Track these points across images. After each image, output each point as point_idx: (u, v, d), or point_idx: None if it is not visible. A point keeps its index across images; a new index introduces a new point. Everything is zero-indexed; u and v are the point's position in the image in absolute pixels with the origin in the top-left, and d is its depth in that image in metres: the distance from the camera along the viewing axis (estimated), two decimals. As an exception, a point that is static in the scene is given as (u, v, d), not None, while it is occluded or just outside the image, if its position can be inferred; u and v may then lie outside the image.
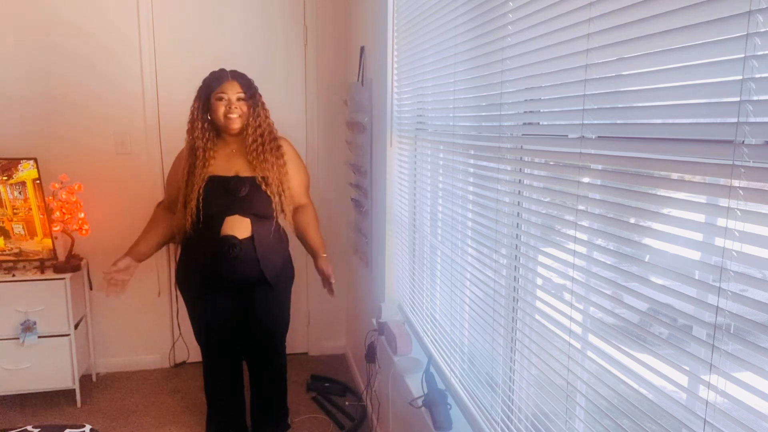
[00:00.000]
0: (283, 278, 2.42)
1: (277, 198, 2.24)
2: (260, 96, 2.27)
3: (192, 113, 2.24)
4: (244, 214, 2.21)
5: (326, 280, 2.36)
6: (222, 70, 2.23)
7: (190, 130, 2.24)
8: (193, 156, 2.22)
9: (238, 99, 2.19)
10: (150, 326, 3.34)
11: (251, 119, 2.23)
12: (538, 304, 1.23)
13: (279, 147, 2.29)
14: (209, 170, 2.20)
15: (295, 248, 2.50)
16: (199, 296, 2.36)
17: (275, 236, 2.30)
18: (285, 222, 2.33)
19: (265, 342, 2.47)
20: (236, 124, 2.20)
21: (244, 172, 2.23)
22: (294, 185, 2.35)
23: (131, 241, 3.21)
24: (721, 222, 0.72)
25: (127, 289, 2.27)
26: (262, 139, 2.24)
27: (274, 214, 2.27)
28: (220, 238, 2.19)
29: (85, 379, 3.14)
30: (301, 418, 2.82)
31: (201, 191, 2.17)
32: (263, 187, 2.21)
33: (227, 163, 2.24)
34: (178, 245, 2.41)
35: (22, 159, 2.74)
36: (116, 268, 2.20)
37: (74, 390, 2.91)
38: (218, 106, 2.18)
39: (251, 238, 2.22)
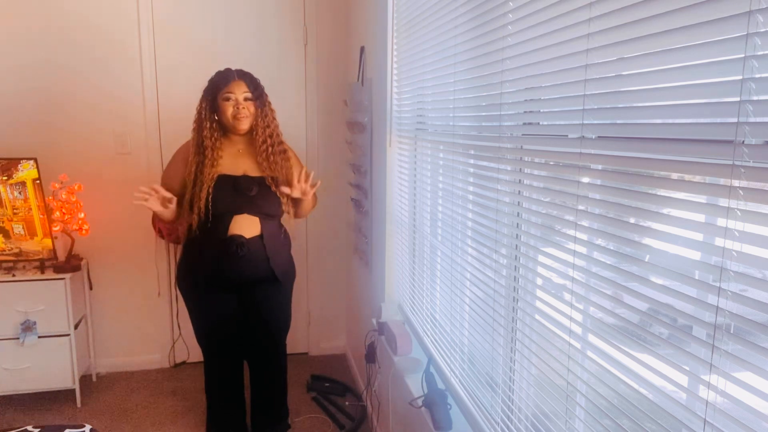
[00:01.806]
0: (289, 276, 2.44)
1: (285, 198, 2.25)
2: (267, 96, 2.27)
3: (199, 113, 2.22)
4: (252, 213, 2.21)
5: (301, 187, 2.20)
6: (228, 70, 2.22)
7: (197, 129, 2.23)
8: (201, 155, 2.21)
9: (246, 99, 2.19)
10: (150, 326, 3.34)
11: (260, 120, 2.23)
12: (538, 304, 1.23)
13: (285, 151, 2.31)
14: (218, 169, 2.20)
15: (294, 248, 2.50)
16: (203, 296, 2.35)
17: (282, 235, 2.31)
18: (288, 221, 2.34)
19: (266, 341, 2.47)
20: (245, 125, 2.20)
21: (252, 171, 2.24)
22: None
23: (131, 241, 3.23)
24: (721, 222, 0.72)
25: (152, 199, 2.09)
26: (271, 140, 2.24)
27: (282, 213, 2.28)
28: (227, 237, 2.19)
29: (85, 379, 3.14)
30: (301, 418, 2.82)
31: (210, 190, 2.16)
32: (273, 188, 2.22)
33: (234, 163, 2.24)
34: (180, 244, 2.39)
35: (22, 159, 2.74)
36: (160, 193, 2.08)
37: (74, 390, 2.91)
38: (226, 107, 2.17)
39: (260, 236, 2.23)
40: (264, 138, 2.23)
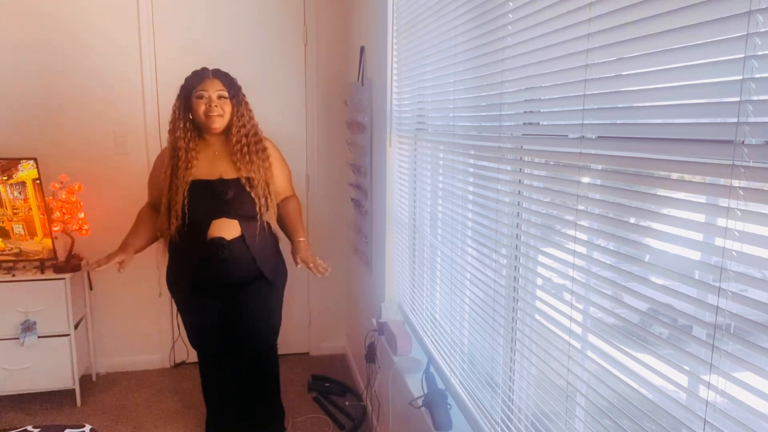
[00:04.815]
0: (280, 274, 2.40)
1: (262, 200, 2.20)
2: (244, 96, 2.23)
3: (174, 113, 2.20)
4: (231, 216, 2.18)
5: (307, 265, 2.23)
6: (203, 69, 2.20)
7: (172, 130, 2.21)
8: (175, 157, 2.18)
9: (219, 97, 2.15)
10: (150, 326, 3.34)
11: (235, 119, 2.19)
12: (538, 304, 1.23)
13: (264, 149, 2.26)
14: (192, 173, 2.16)
15: (287, 249, 2.48)
16: (191, 300, 2.33)
17: (265, 234, 2.27)
18: (271, 220, 2.30)
19: (256, 342, 2.43)
20: (217, 123, 2.16)
21: (229, 174, 2.19)
22: (279, 183, 2.33)
23: (131, 241, 3.21)
24: (721, 222, 0.72)
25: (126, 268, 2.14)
26: (246, 139, 2.20)
27: (260, 215, 2.24)
28: (208, 240, 2.16)
29: (85, 379, 3.13)
30: (301, 418, 2.82)
31: (186, 195, 2.13)
32: (248, 188, 2.18)
33: (210, 166, 2.20)
34: (165, 246, 2.37)
35: (22, 159, 2.74)
36: (109, 263, 2.08)
37: (74, 390, 2.91)
38: (198, 105, 2.14)
39: (242, 237, 2.20)
40: (239, 138, 2.19)
